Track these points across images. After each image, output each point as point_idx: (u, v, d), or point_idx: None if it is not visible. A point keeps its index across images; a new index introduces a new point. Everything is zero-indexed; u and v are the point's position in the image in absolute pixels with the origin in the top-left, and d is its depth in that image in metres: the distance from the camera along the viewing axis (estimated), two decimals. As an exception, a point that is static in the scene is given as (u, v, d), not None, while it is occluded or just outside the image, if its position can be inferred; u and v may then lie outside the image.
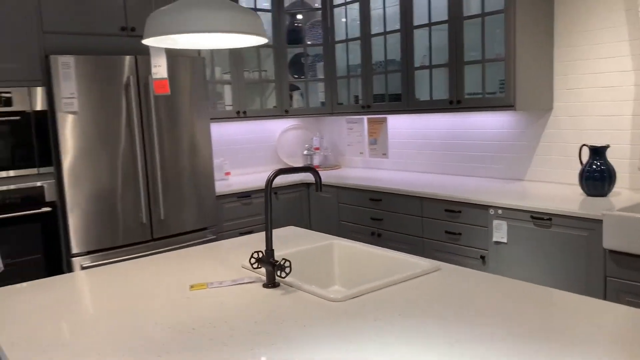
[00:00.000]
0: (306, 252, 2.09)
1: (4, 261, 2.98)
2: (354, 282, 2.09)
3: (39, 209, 3.08)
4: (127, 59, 3.24)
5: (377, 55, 4.06)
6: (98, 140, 3.16)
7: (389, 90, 3.99)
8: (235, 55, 4.13)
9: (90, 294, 1.69)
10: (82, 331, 1.39)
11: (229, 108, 4.21)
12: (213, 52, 4.04)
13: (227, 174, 4.40)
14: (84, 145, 3.12)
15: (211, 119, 4.05)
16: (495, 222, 2.95)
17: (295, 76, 4.62)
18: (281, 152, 4.83)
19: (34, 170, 3.07)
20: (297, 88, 4.62)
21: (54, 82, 3.00)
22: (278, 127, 4.81)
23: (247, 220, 3.94)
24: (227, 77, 4.18)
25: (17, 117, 2.99)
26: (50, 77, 3.02)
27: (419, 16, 3.69)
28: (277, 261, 1.66)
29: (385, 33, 3.88)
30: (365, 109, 4.09)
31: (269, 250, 1.67)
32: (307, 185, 4.25)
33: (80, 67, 3.07)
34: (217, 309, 1.51)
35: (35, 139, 3.06)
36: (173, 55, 3.45)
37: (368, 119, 4.53)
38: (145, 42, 1.64)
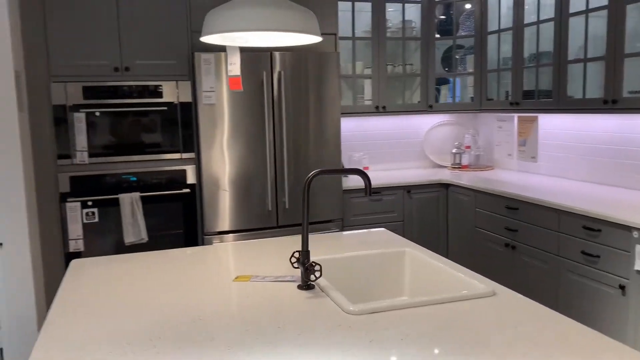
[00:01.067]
0: (376, 256, 2.00)
1: (148, 233, 3.42)
2: (421, 293, 1.93)
3: (181, 189, 3.47)
4: (262, 56, 3.44)
5: (530, 47, 3.64)
6: (232, 131, 3.42)
7: (540, 86, 3.55)
8: (378, 50, 4.08)
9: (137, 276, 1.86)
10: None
11: (368, 103, 4.19)
12: (355, 47, 4.05)
13: (366, 168, 4.39)
14: (220, 135, 3.40)
15: (349, 113, 4.08)
16: (638, 248, 2.45)
17: (447, 69, 4.39)
18: (428, 149, 4.65)
19: (177, 155, 3.45)
20: (447, 82, 4.39)
21: (196, 77, 3.33)
22: (425, 123, 4.63)
23: (374, 217, 3.90)
24: (368, 71, 4.16)
25: (165, 108, 3.39)
26: (194, 72, 3.36)
27: (575, 2, 3.20)
28: (310, 263, 1.62)
29: (538, 22, 3.46)
30: (514, 106, 3.70)
31: (305, 251, 1.64)
32: (446, 186, 4.03)
33: (219, 63, 3.35)
34: (236, 301, 1.54)
35: (180, 128, 3.44)
36: (301, 50, 3.56)
37: (519, 117, 4.10)
38: (203, 39, 1.72)
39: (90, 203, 3.31)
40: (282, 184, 3.57)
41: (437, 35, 4.28)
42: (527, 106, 3.60)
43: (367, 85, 4.18)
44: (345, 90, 4.27)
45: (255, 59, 3.42)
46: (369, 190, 1.72)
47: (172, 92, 3.41)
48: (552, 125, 3.82)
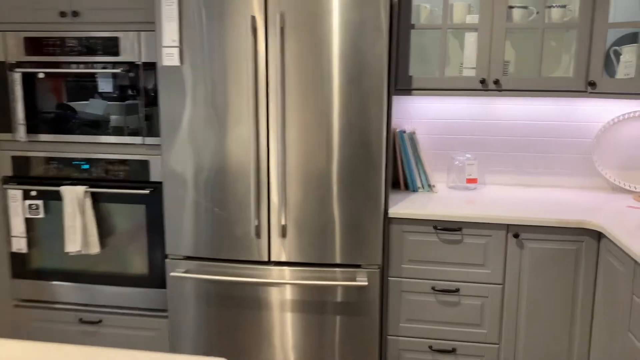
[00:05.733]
0: None
1: (103, 242, 2.50)
2: None
3: (142, 188, 2.43)
4: (258, -12, 2.12)
5: None
6: (206, 109, 2.23)
7: None
8: (499, -20, 2.33)
9: None
10: None
11: (469, 73, 2.48)
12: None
13: (472, 181, 2.71)
14: (188, 115, 2.24)
15: (427, 89, 2.47)
16: None
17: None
18: (601, 160, 2.69)
19: (139, 140, 2.41)
20: (633, 41, 2.36)
21: (156, 24, 2.21)
22: (598, 112, 2.66)
23: (449, 269, 2.28)
24: (473, 18, 2.44)
25: (124, 70, 2.36)
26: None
27: None
28: None
29: None
30: None
31: None
32: (597, 235, 2.15)
33: (186, 1, 2.16)
34: None
35: (142, 100, 2.38)
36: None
37: None
38: None
39: (34, 193, 2.52)
40: (281, 199, 2.25)
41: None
42: None
43: (470, 42, 2.47)
44: (425, 49, 2.62)
45: (242, -4, 2.13)
46: None
47: (133, 48, 2.36)
48: None
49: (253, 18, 2.13)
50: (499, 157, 2.79)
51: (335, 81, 2.16)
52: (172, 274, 2.34)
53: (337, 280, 2.28)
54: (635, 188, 2.64)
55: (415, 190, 2.66)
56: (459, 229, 2.26)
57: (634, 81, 2.24)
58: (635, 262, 1.80)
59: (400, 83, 2.49)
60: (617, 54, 2.39)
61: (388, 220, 2.30)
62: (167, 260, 2.38)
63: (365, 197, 2.22)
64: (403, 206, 2.34)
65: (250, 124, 2.20)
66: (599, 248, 2.16)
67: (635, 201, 2.48)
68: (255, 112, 2.20)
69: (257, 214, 2.27)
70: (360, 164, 2.22)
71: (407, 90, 2.49)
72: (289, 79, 2.17)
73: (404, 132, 2.64)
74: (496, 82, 2.40)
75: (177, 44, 2.19)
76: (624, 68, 2.34)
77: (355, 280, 2.27)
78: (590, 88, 2.36)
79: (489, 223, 2.23)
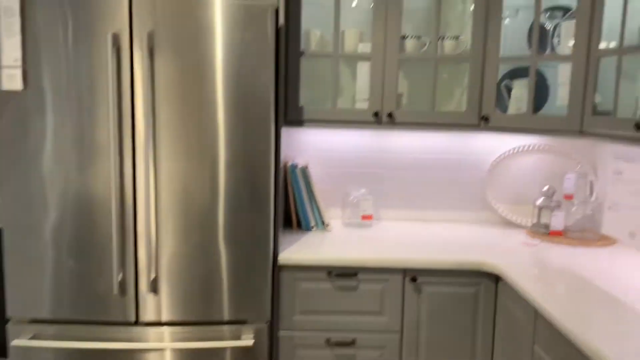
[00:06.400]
0: None
1: None
2: None
3: (-22, 237, 1.99)
4: (120, 2, 1.81)
5: None
6: (54, 144, 1.85)
7: None
8: (387, 9, 2.21)
9: None
10: None
11: (362, 105, 2.34)
12: (340, 2, 2.22)
13: (368, 217, 2.54)
14: (27, 149, 1.86)
15: (317, 121, 2.28)
16: None
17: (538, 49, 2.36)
18: (493, 193, 2.65)
19: (-27, 178, 1.98)
20: (524, 75, 2.35)
21: (-7, 38, 1.82)
22: (490, 145, 2.63)
23: (344, 319, 2.07)
24: (365, 47, 2.31)
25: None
26: (-6, 30, 1.85)
27: None
28: None
29: None
30: (650, 130, 1.62)
31: None
32: (495, 279, 2.05)
33: (33, 13, 1.80)
34: None
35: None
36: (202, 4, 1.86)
37: None
38: None
39: None
40: (150, 246, 1.92)
41: (513, -15, 2.28)
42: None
43: (364, 71, 2.33)
44: (317, 78, 2.45)
45: (99, 8, 1.81)
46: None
47: (-36, 67, 1.94)
48: None
49: (115, 36, 1.82)
50: (395, 191, 2.66)
51: (219, 110, 1.90)
52: (14, 342, 1.91)
53: (221, 340, 1.98)
54: (526, 223, 2.61)
55: (308, 229, 2.45)
56: (355, 274, 2.06)
57: (526, 116, 2.20)
58: (536, 309, 1.70)
59: (291, 114, 2.28)
60: (509, 88, 2.36)
61: (278, 268, 2.05)
62: (8, 326, 1.94)
63: (253, 242, 1.96)
64: (295, 250, 2.11)
65: (112, 159, 1.86)
66: (497, 291, 2.06)
67: (528, 237, 2.44)
68: (118, 145, 1.87)
69: (121, 265, 1.92)
70: (246, 204, 1.96)
71: (298, 122, 2.28)
72: (162, 106, 1.86)
73: (296, 166, 2.42)
74: (390, 115, 2.26)
75: (19, 63, 1.81)
76: (516, 102, 2.30)
77: (240, 339, 1.98)
78: (483, 123, 2.29)
79: (385, 268, 2.05)
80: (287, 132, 2.59)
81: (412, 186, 2.66)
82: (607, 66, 1.91)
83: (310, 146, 2.62)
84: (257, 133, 1.93)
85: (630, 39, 1.81)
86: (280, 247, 2.13)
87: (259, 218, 1.96)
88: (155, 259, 1.92)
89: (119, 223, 1.90)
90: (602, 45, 1.95)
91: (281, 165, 2.31)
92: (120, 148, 1.87)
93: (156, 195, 1.90)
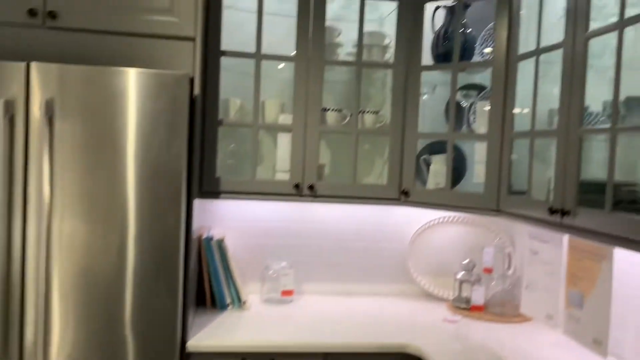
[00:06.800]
0: None
1: None
2: None
3: None
4: (17, 68, 1.66)
5: (600, 90, 1.61)
6: None
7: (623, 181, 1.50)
8: (308, 81, 2.19)
9: None
10: None
11: (282, 177, 2.27)
12: (259, 71, 2.18)
13: (288, 293, 2.42)
14: None
15: (244, 193, 2.18)
16: None
17: (459, 125, 2.40)
18: (415, 266, 2.61)
19: None
20: (442, 150, 2.37)
21: None
22: (411, 218, 2.61)
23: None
24: (287, 118, 2.26)
25: None
26: None
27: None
28: None
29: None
30: (560, 216, 1.63)
31: None
32: None
33: None
34: None
35: None
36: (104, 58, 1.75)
37: (571, 242, 1.95)
38: None
39: None
40: (42, 330, 1.69)
41: (429, 63, 2.34)
42: (586, 221, 1.51)
43: (284, 142, 2.28)
44: (236, 148, 2.35)
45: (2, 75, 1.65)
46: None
47: None
48: (633, 273, 1.69)
49: (7, 103, 1.65)
50: (317, 263, 2.56)
51: (129, 180, 1.76)
52: None
53: None
54: (447, 295, 2.59)
55: (224, 307, 2.28)
56: (271, 360, 1.92)
57: (444, 192, 2.21)
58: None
59: (206, 185, 2.16)
60: (427, 163, 2.38)
61: (186, 356, 1.86)
62: None
63: (160, 327, 1.78)
64: (207, 334, 1.94)
65: (-2, 239, 1.65)
66: (419, 373, 1.98)
67: (449, 312, 2.40)
68: (7, 217, 1.67)
69: (3, 353, 1.67)
70: (154, 284, 1.80)
71: (214, 194, 2.16)
72: (63, 175, 1.70)
73: (211, 239, 2.28)
74: (311, 187, 2.20)
75: None
76: (434, 177, 2.31)
77: None
78: (403, 197, 2.27)
79: (304, 352, 1.92)
80: (203, 202, 2.46)
81: (334, 257, 2.58)
82: (522, 147, 1.96)
83: (229, 216, 2.49)
84: (166, 206, 1.80)
85: (541, 122, 1.87)
86: (191, 332, 1.95)
87: (167, 299, 1.80)
88: (42, 346, 1.69)
89: (3, 308, 1.67)
90: (517, 125, 2.00)
91: (195, 238, 2.17)
92: (9, 221, 1.67)
93: (48, 270, 1.70)
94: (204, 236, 2.28)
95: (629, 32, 1.45)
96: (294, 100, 2.20)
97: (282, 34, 2.33)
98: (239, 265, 2.49)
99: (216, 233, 2.40)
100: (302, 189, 2.21)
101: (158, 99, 1.78)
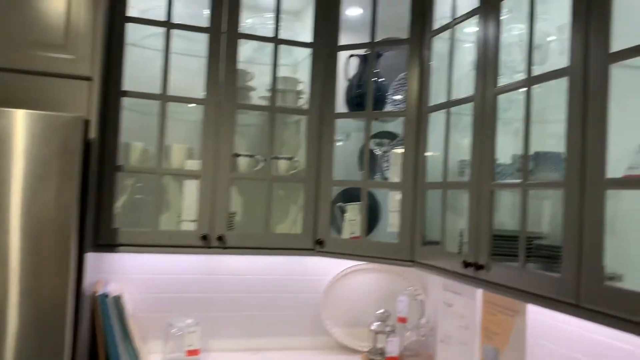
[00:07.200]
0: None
1: None
2: None
3: None
4: None
5: (505, 144, 1.65)
6: None
7: (540, 232, 1.51)
8: (218, 127, 2.08)
9: None
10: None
11: (189, 227, 2.12)
12: (165, 113, 2.04)
13: (194, 353, 2.23)
14: None
15: (145, 245, 2.00)
16: None
17: (373, 172, 2.36)
18: (330, 317, 2.52)
19: None
20: (357, 198, 2.33)
21: None
22: (324, 267, 2.53)
23: None
24: (194, 164, 2.13)
25: None
26: None
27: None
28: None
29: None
30: (472, 269, 1.61)
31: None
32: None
33: None
34: None
35: None
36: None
37: (484, 295, 1.96)
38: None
39: None
40: None
41: (343, 109, 2.31)
42: (503, 276, 1.50)
43: (190, 190, 2.13)
44: (135, 199, 2.17)
45: None
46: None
47: None
48: (547, 326, 1.70)
49: None
50: (225, 319, 2.39)
51: (12, 233, 1.56)
52: None
53: None
54: (362, 347, 2.50)
55: (120, 371, 2.05)
56: None
57: (359, 241, 2.15)
58: None
59: (103, 237, 1.96)
60: (342, 211, 2.32)
61: None
62: None
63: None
64: (96, 408, 1.71)
65: None
66: None
67: (366, 365, 2.32)
68: None
69: None
70: (38, 350, 1.58)
71: (111, 247, 1.96)
72: None
73: (107, 295, 2.06)
74: (220, 238, 2.06)
75: None
76: (350, 226, 2.25)
77: None
78: (318, 247, 2.19)
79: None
80: (99, 255, 2.23)
81: (244, 311, 2.43)
82: (435, 197, 1.95)
83: (129, 269, 2.28)
84: (53, 262, 1.61)
85: (453, 172, 1.87)
86: (78, 406, 1.71)
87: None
88: None
89: None
90: (430, 174, 1.99)
91: (89, 295, 1.94)
92: None
93: None
94: (99, 292, 2.06)
95: (535, 89, 1.48)
96: (202, 144, 2.07)
97: (191, 75, 2.21)
98: (140, 322, 2.27)
99: (114, 288, 2.18)
100: (211, 240, 2.07)
101: (48, 143, 1.60)
